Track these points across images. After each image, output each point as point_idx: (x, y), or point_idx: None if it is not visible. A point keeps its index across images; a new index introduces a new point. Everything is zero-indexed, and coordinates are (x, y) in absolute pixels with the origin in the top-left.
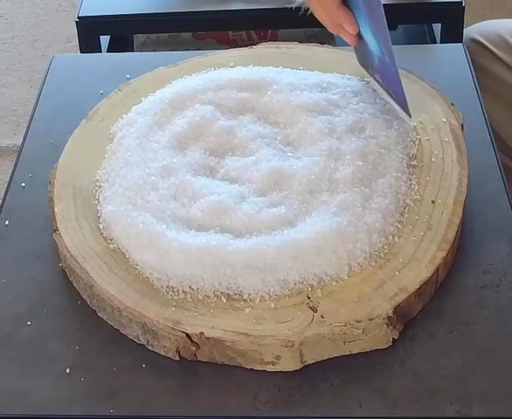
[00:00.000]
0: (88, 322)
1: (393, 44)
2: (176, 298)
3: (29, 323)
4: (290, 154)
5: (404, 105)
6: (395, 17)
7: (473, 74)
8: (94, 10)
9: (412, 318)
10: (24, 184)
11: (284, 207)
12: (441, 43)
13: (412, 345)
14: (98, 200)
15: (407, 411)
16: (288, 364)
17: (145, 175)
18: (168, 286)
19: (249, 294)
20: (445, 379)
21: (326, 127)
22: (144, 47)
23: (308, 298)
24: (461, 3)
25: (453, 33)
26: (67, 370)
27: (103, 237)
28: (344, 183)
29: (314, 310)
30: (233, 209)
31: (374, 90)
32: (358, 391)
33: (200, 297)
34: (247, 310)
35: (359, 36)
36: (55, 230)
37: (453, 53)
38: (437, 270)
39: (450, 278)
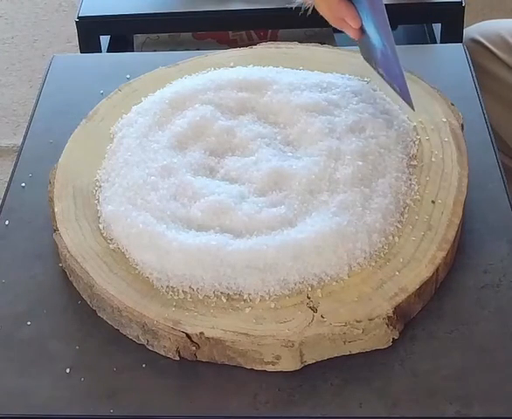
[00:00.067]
0: (88, 322)
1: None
2: (176, 298)
3: (29, 323)
4: (290, 154)
5: (407, 98)
6: (395, 17)
7: (473, 74)
8: (94, 10)
9: (412, 318)
10: (24, 184)
11: (284, 207)
12: (441, 43)
13: (412, 345)
14: (98, 200)
15: (407, 411)
16: (288, 364)
17: (145, 175)
18: (168, 286)
19: (249, 294)
20: (445, 379)
21: (326, 127)
22: (144, 47)
23: (308, 298)
24: (461, 3)
25: (453, 33)
26: (67, 370)
27: (103, 237)
28: (344, 183)
29: (314, 310)
30: (233, 209)
31: (374, 90)
32: (358, 391)
33: (200, 297)
34: (247, 310)
35: (362, 30)
36: (55, 230)
37: (453, 53)
38: (437, 270)
39: (450, 278)
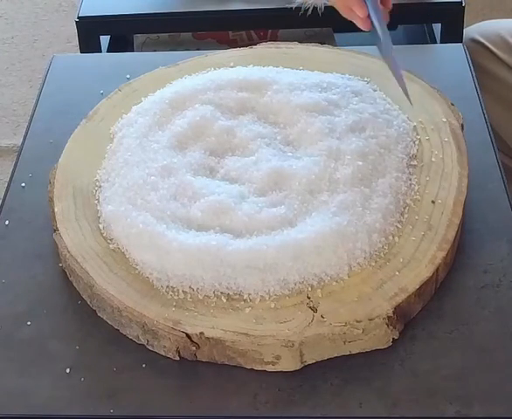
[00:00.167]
0: (88, 322)
1: (393, 44)
2: (176, 298)
3: (29, 323)
4: (290, 154)
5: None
6: (395, 17)
7: (473, 74)
8: (94, 10)
9: (412, 318)
10: (24, 184)
11: (284, 207)
12: (441, 43)
13: (412, 345)
14: (98, 200)
15: (407, 411)
16: (288, 364)
17: (145, 175)
18: (168, 286)
19: (249, 294)
20: (445, 379)
21: (326, 127)
22: (144, 47)
23: (308, 298)
24: (461, 3)
25: (453, 33)
26: (67, 370)
27: (103, 237)
28: (344, 183)
29: (314, 310)
30: (233, 209)
31: (374, 90)
32: (358, 391)
33: (200, 297)
34: (247, 310)
35: (370, 20)
36: (55, 230)
37: (453, 53)
38: (437, 270)
39: (450, 278)
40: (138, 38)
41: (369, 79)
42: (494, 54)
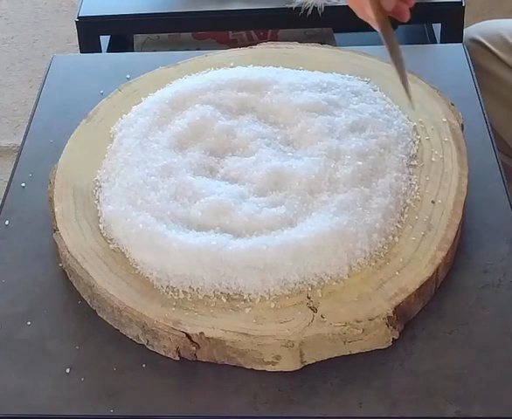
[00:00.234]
0: (88, 322)
1: None
2: (176, 298)
3: (29, 323)
4: (290, 154)
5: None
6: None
7: (473, 74)
8: (94, 10)
9: (412, 318)
10: (24, 184)
11: (284, 207)
12: (441, 43)
13: (412, 345)
14: (98, 200)
15: (407, 411)
16: (288, 364)
17: (145, 175)
18: (168, 286)
19: (249, 294)
20: (445, 379)
21: (326, 127)
22: (144, 47)
23: (308, 298)
24: (461, 3)
25: (453, 33)
26: (67, 370)
27: (103, 237)
28: (344, 183)
29: (314, 310)
30: (233, 209)
31: (374, 90)
32: (358, 391)
33: (200, 297)
34: (247, 310)
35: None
36: (55, 230)
37: (453, 53)
38: (437, 270)
39: (450, 278)
40: (138, 38)
41: (369, 79)
42: (494, 54)
